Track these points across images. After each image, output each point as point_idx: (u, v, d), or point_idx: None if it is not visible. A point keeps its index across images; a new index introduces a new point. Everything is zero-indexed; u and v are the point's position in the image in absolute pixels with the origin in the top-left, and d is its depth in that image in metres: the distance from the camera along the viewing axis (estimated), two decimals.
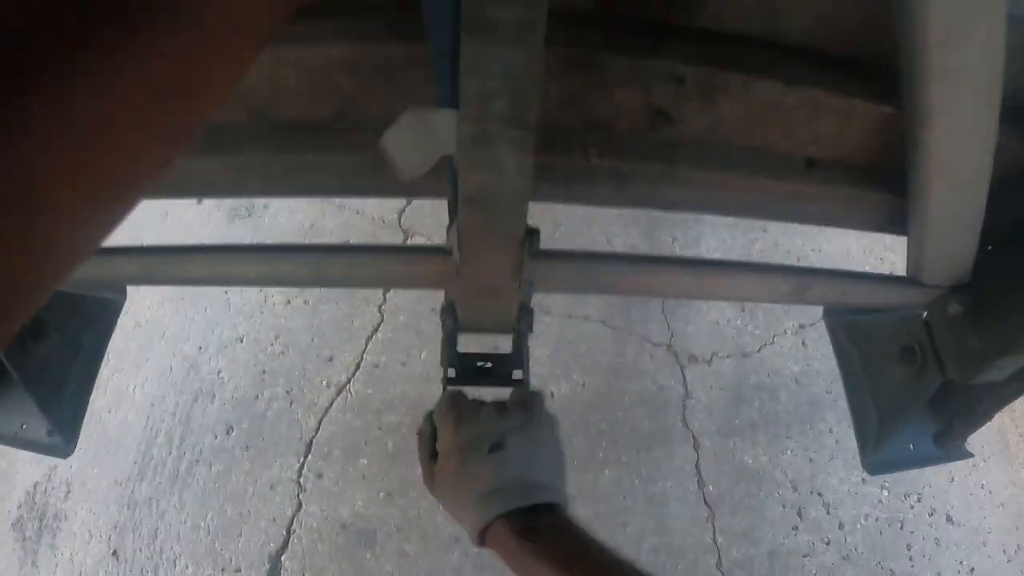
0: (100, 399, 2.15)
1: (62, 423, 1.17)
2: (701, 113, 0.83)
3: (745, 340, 2.29)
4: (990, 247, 0.96)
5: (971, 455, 1.28)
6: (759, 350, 2.28)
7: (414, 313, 2.24)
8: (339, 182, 0.85)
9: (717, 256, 2.44)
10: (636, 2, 0.78)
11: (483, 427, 0.74)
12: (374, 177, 0.83)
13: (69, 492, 2.07)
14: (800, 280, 1.04)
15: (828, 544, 2.00)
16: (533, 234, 0.78)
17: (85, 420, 1.19)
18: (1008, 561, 2.14)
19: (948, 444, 1.24)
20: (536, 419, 0.77)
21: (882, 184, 0.92)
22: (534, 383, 0.92)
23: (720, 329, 2.30)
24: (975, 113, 0.72)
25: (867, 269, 2.48)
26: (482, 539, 0.69)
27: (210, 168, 0.85)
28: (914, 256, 0.96)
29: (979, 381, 1.03)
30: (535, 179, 0.84)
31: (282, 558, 1.90)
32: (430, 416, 0.83)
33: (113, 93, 0.24)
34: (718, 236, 2.48)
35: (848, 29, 0.80)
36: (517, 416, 0.76)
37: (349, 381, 2.15)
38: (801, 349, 2.30)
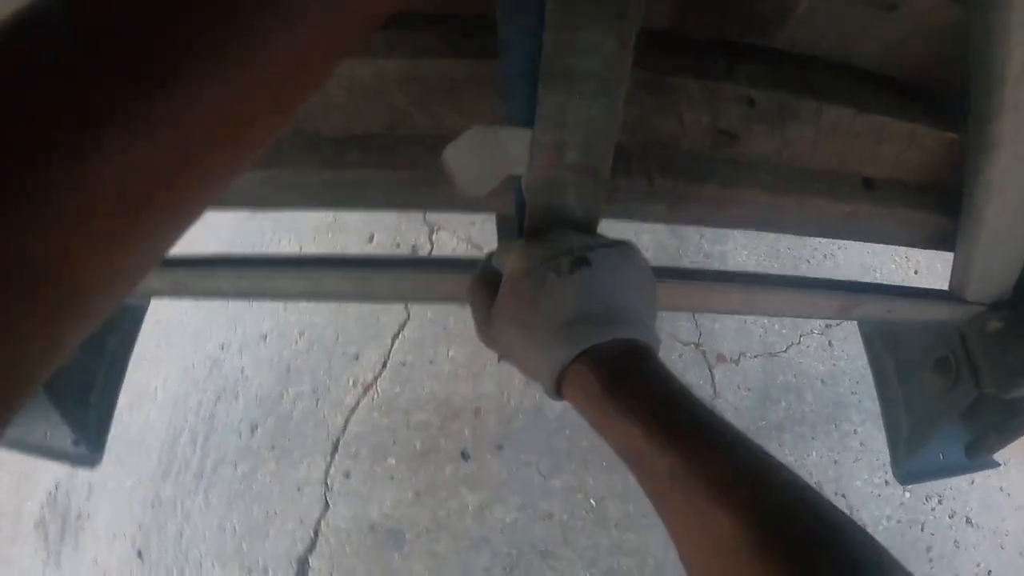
0: (121, 398, 2.13)
1: (87, 432, 1.15)
2: (768, 136, 0.84)
3: (772, 339, 2.31)
4: None
5: (998, 464, 1.30)
6: (786, 350, 2.30)
7: (441, 310, 2.24)
8: (386, 197, 0.84)
9: (745, 254, 2.45)
10: (711, 23, 0.78)
11: (561, 241, 0.60)
12: (425, 193, 0.83)
13: (91, 492, 2.09)
14: (848, 298, 1.05)
15: None
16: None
17: None
18: None
19: (979, 456, 1.26)
20: (626, 243, 0.64)
21: (935, 204, 0.93)
22: None
23: (748, 328, 2.32)
24: None
25: (892, 266, 2.50)
26: (559, 386, 0.56)
27: (248, 183, 0.82)
28: (959, 274, 0.98)
29: (1015, 396, 1.06)
30: None
31: (310, 559, 1.93)
32: (486, 261, 0.68)
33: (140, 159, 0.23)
34: (747, 233, 2.48)
35: (918, 58, 0.81)
36: (600, 237, 0.63)
37: (376, 379, 2.17)
38: (827, 349, 2.32)
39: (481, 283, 0.66)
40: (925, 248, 1.02)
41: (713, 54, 0.78)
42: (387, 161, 0.80)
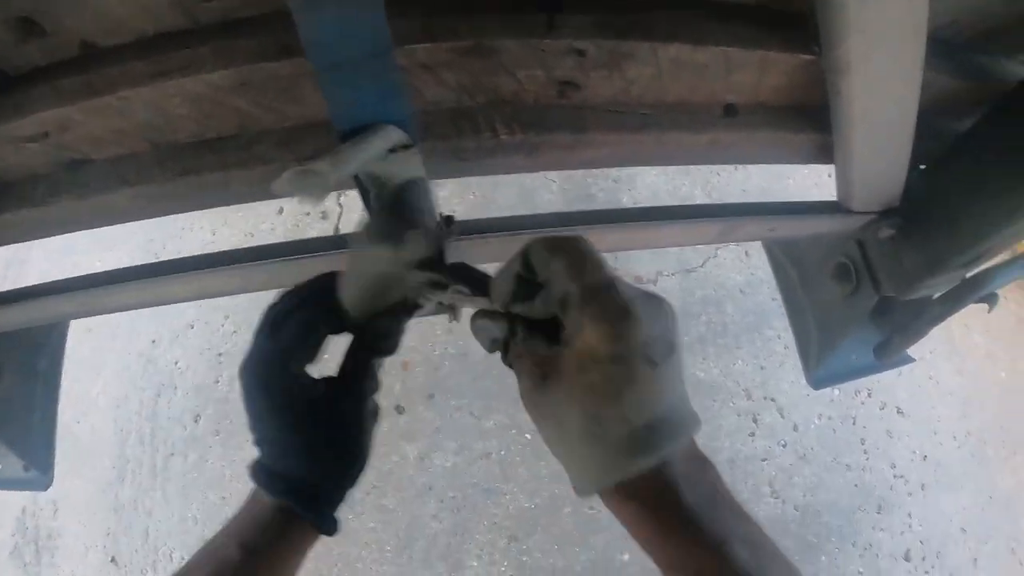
0: (66, 411, 2.04)
1: (35, 455, 1.15)
2: (608, 80, 0.77)
3: (687, 256, 2.26)
4: (923, 167, 0.96)
5: (913, 359, 1.30)
6: (703, 264, 2.26)
7: None
8: (249, 192, 0.81)
9: (655, 173, 2.38)
10: None
11: (645, 328, 0.40)
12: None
13: (57, 510, 2.02)
14: (727, 222, 1.01)
15: (784, 446, 2.05)
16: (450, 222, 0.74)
17: (57, 435, 1.16)
18: (959, 447, 2.22)
19: (888, 356, 1.26)
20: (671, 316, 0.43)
21: (806, 123, 0.88)
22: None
23: (663, 247, 2.27)
24: (896, 60, 0.70)
25: (806, 170, 2.45)
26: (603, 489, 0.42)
27: (120, 200, 0.80)
28: (842, 186, 0.96)
29: (914, 297, 1.05)
30: (448, 160, 0.79)
31: None
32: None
33: None
34: None
35: None
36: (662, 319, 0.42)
37: None
38: (744, 259, 2.29)
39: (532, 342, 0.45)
40: (803, 163, 0.98)
41: (534, 8, 0.70)
42: (242, 160, 0.78)
